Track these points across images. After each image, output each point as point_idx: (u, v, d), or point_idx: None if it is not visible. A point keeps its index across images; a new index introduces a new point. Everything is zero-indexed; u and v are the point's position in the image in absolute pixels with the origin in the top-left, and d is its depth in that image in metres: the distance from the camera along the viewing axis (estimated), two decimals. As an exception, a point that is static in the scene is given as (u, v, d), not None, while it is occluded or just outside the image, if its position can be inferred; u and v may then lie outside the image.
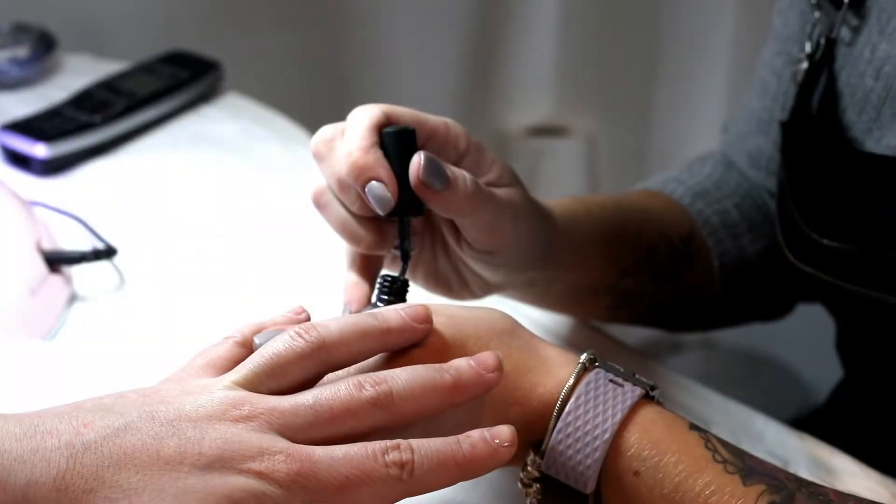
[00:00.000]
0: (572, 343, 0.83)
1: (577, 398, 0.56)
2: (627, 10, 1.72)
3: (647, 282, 0.80)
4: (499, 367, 0.56)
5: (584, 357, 0.58)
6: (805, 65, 0.78)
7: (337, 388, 0.54)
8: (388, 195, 0.63)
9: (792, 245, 0.76)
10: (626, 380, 0.58)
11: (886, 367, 0.78)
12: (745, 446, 0.73)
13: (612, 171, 1.75)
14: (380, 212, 0.64)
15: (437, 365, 0.56)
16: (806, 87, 0.78)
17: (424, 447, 0.53)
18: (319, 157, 0.67)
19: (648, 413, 0.57)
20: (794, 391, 1.63)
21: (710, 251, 0.84)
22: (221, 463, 0.51)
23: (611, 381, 0.57)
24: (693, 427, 0.58)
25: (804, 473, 0.72)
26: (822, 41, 0.77)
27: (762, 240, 0.87)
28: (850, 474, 0.72)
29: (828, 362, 0.93)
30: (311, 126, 1.13)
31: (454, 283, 0.72)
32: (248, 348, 0.59)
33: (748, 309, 0.90)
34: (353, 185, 0.64)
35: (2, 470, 0.50)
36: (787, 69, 0.84)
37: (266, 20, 1.52)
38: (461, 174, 0.64)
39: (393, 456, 0.52)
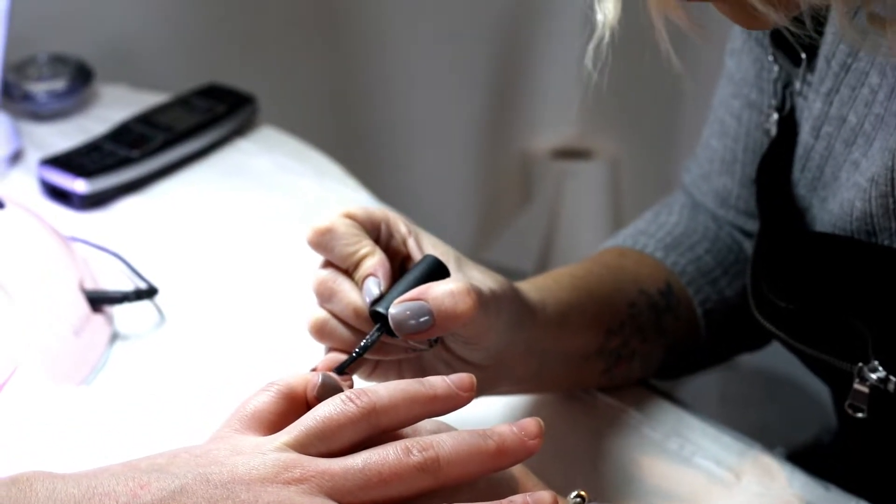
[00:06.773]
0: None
1: None
2: (652, 32, 1.72)
3: (635, 340, 0.80)
4: (540, 434, 0.58)
5: None
6: (775, 116, 0.79)
7: (386, 453, 0.55)
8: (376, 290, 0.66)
9: (755, 299, 0.77)
10: None
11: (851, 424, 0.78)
12: (776, 490, 0.75)
13: (636, 193, 1.75)
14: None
15: (481, 430, 0.57)
16: (778, 143, 0.79)
17: (468, 512, 0.54)
18: (324, 297, 0.68)
19: None
20: (813, 412, 1.63)
21: (692, 300, 0.85)
22: (274, 526, 0.52)
23: None
24: None
25: (832, 524, 0.74)
26: (789, 95, 0.78)
27: (738, 280, 0.87)
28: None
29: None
30: (340, 155, 1.15)
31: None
32: (292, 401, 0.59)
33: (733, 347, 0.91)
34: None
35: (62, 531, 0.51)
36: (745, 112, 0.84)
37: (296, 52, 1.53)
38: (443, 293, 0.65)
39: (438, 520, 0.54)
